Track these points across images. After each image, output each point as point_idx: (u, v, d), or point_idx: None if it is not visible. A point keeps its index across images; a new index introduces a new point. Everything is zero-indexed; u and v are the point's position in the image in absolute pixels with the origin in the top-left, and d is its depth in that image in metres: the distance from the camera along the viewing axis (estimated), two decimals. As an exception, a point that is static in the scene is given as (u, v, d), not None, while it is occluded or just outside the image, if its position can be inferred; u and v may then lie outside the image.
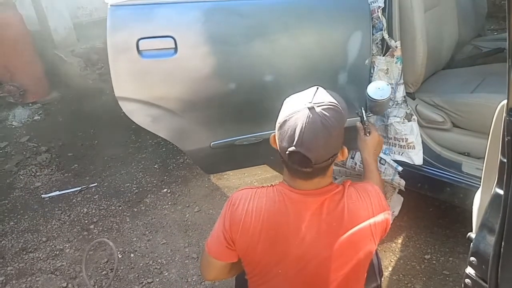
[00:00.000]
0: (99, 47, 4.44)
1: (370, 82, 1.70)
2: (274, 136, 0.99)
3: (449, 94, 1.75)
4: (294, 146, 0.86)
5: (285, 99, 1.00)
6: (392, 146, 1.77)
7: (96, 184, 2.68)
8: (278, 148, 0.96)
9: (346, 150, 1.01)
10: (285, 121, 0.91)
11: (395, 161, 1.76)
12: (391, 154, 1.78)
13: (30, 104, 3.89)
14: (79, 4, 4.96)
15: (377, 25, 1.62)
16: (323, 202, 0.96)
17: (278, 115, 0.97)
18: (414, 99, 1.81)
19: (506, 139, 0.61)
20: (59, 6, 4.43)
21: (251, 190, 1.02)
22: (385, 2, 1.59)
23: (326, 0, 1.57)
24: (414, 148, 1.71)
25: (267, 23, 1.51)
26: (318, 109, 0.88)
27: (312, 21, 1.56)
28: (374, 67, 1.67)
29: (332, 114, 0.89)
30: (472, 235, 0.78)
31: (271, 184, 1.04)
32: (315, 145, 0.87)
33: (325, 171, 0.97)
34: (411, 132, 1.70)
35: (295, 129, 0.87)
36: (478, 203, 0.83)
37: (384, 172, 1.80)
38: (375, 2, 1.59)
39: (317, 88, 0.98)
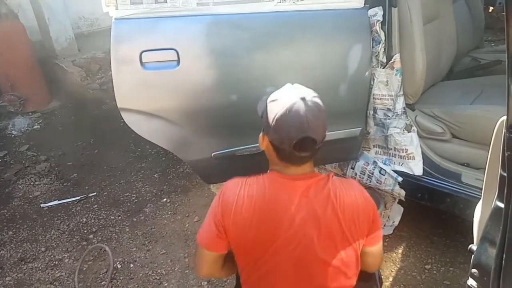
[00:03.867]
0: (100, 57, 4.47)
1: (370, 93, 1.73)
2: (264, 136, 1.04)
3: (448, 106, 1.77)
4: (306, 132, 0.94)
5: (265, 99, 1.07)
6: (392, 156, 1.79)
7: (95, 193, 2.68)
8: (277, 142, 1.00)
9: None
10: (285, 114, 0.97)
11: (395, 171, 1.77)
12: (391, 165, 1.79)
13: (30, 113, 3.90)
14: (81, 14, 5.00)
15: (377, 38, 1.64)
16: (310, 185, 1.01)
17: (267, 115, 1.03)
18: (413, 110, 1.83)
19: (506, 154, 0.62)
20: (61, 17, 4.47)
21: (241, 179, 1.05)
22: (384, 16, 1.61)
23: (327, 13, 1.59)
24: (414, 159, 1.73)
25: (269, 36, 1.54)
26: (309, 98, 0.99)
27: (313, 34, 1.58)
28: (374, 79, 1.69)
29: (319, 100, 1.01)
30: (474, 247, 0.79)
31: (260, 174, 1.08)
32: (318, 127, 0.98)
33: (316, 155, 1.03)
34: (411, 143, 1.72)
35: (300, 117, 0.95)
36: (479, 216, 0.84)
37: (384, 182, 1.81)
38: (375, 16, 1.62)
39: (292, 84, 1.08)
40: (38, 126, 3.74)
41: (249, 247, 1.03)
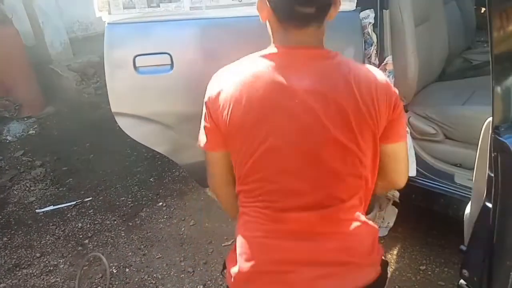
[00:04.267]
0: (95, 61, 4.46)
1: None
2: (261, 2, 0.88)
3: (440, 107, 1.79)
4: None
5: None
6: (386, 158, 1.80)
7: (91, 198, 2.67)
8: (271, 3, 0.86)
9: (339, 2, 0.89)
10: None
11: (389, 173, 1.78)
12: (385, 166, 1.80)
13: (25, 119, 3.89)
14: (75, 19, 4.99)
15: (369, 40, 1.65)
16: (315, 55, 0.87)
17: None
18: (406, 111, 1.84)
19: (493, 155, 0.63)
20: (55, 21, 4.47)
21: (227, 68, 0.95)
22: (376, 18, 1.63)
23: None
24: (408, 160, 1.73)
25: (263, 39, 1.54)
26: None
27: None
28: (366, 81, 1.70)
29: None
30: (464, 247, 0.80)
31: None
32: None
33: (321, 22, 0.87)
34: (404, 144, 1.73)
35: None
36: (468, 216, 0.84)
37: (378, 184, 1.82)
38: (366, 18, 1.63)
39: None
40: (33, 131, 3.73)
41: (247, 128, 0.87)
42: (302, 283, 0.85)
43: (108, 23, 1.47)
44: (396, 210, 1.93)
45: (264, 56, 0.87)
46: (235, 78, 0.88)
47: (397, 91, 0.91)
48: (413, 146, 1.74)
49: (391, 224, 1.98)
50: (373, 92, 0.83)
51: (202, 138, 0.96)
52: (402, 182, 1.00)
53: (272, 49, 0.88)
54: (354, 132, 0.84)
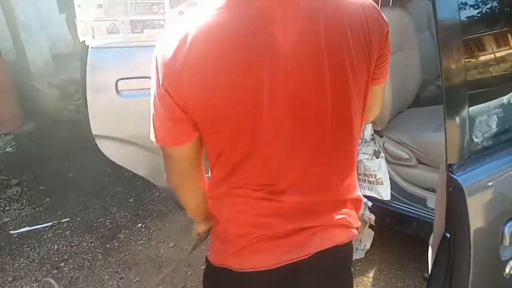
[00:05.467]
0: (77, 78, 4.43)
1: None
2: None
3: (413, 133, 1.87)
4: None
5: None
6: (362, 181, 1.85)
7: (68, 219, 2.62)
8: None
9: None
10: None
11: (365, 196, 1.83)
12: (361, 190, 1.85)
13: (3, 135, 3.81)
14: (59, 36, 4.99)
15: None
16: None
17: None
18: (381, 136, 1.91)
19: (449, 190, 0.68)
20: (38, 37, 4.46)
21: (179, 26, 0.70)
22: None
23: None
24: (382, 184, 1.79)
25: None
26: None
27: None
28: (343, 107, 1.77)
29: None
30: (427, 275, 0.84)
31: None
32: None
33: None
34: (379, 168, 1.79)
35: None
36: (432, 245, 0.89)
37: (355, 207, 1.86)
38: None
39: None
40: (11, 149, 3.65)
41: (221, 106, 0.69)
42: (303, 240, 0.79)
43: (91, 47, 1.49)
44: (373, 233, 1.98)
45: (234, 4, 0.67)
46: (199, 41, 0.66)
47: (383, 17, 0.77)
48: (388, 171, 1.81)
49: (368, 247, 2.02)
50: (365, 29, 0.71)
51: (160, 131, 0.74)
52: (373, 118, 0.93)
53: None
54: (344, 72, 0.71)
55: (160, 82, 0.69)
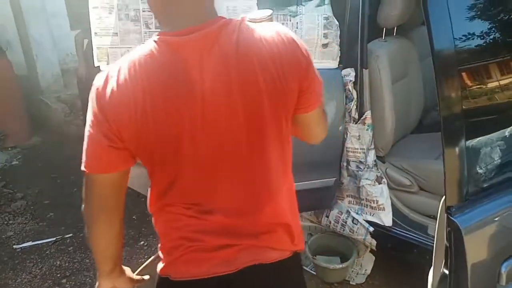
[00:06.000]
0: (85, 93, 4.53)
1: (343, 147, 1.83)
2: None
3: (415, 159, 1.89)
4: None
5: None
6: (364, 206, 1.86)
7: (71, 234, 2.64)
8: None
9: None
10: None
11: (367, 221, 1.84)
12: (363, 214, 1.87)
13: (10, 149, 3.87)
14: (68, 51, 5.09)
15: (349, 96, 1.77)
16: (213, 37, 0.74)
17: None
18: (384, 162, 1.93)
19: (448, 229, 0.71)
20: (49, 53, 4.56)
21: (117, 62, 0.78)
22: (356, 77, 1.75)
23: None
24: (384, 210, 1.81)
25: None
26: None
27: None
28: (347, 133, 1.80)
29: None
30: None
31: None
32: None
33: None
34: (381, 194, 1.81)
35: None
36: (431, 280, 0.90)
37: (356, 232, 1.88)
38: (348, 76, 1.75)
39: None
40: (17, 162, 3.70)
41: (154, 136, 0.76)
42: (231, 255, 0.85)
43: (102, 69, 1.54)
44: (374, 258, 1.98)
45: (159, 50, 0.74)
46: (130, 80, 0.73)
47: (305, 46, 0.81)
48: (390, 197, 1.83)
49: (369, 271, 2.02)
50: (279, 68, 0.75)
51: (93, 158, 0.78)
52: (319, 140, 0.97)
53: (161, 40, 0.74)
54: (264, 106, 0.77)
55: (95, 111, 0.75)
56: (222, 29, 0.75)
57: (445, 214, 0.72)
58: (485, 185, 0.95)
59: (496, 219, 0.88)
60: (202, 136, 0.77)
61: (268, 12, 1.15)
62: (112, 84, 0.74)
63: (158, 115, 0.73)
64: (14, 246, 2.53)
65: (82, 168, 0.79)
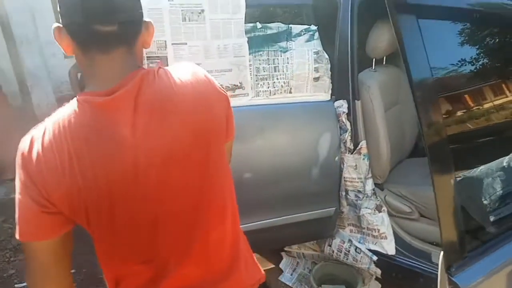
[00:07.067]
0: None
1: (341, 177, 1.83)
2: (58, 28, 0.75)
3: (414, 186, 1.89)
4: None
5: None
6: (366, 235, 1.86)
7: (74, 270, 2.59)
8: (65, 17, 0.73)
9: (152, 27, 0.81)
10: None
11: (370, 250, 1.84)
12: (365, 243, 1.86)
13: (8, 181, 3.85)
14: (63, 79, 5.12)
15: (343, 127, 1.78)
16: (136, 92, 0.74)
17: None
18: (383, 189, 1.93)
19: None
20: (43, 83, 4.58)
21: (36, 127, 0.76)
22: (349, 108, 1.76)
23: (297, 106, 1.72)
24: (386, 238, 1.80)
25: (244, 128, 1.64)
26: None
27: (285, 125, 1.71)
28: (344, 163, 1.81)
29: None
30: None
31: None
32: None
33: (130, 44, 0.77)
34: (382, 223, 1.81)
35: None
36: None
37: (360, 261, 1.87)
38: (341, 107, 1.76)
39: None
40: (16, 195, 3.68)
41: (89, 201, 0.74)
42: None
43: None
44: (380, 286, 1.97)
45: (82, 112, 0.73)
46: (55, 144, 0.72)
47: (217, 83, 0.84)
48: (391, 224, 1.82)
49: (375, 300, 2.01)
50: (201, 115, 0.77)
51: (27, 226, 0.74)
52: None
53: (87, 104, 0.73)
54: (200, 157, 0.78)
55: (22, 176, 0.73)
56: (143, 81, 0.75)
57: (445, 275, 0.72)
58: (484, 238, 0.95)
59: (499, 273, 0.88)
60: (137, 194, 0.75)
61: None
62: (37, 148, 0.72)
63: (87, 176, 0.71)
64: (16, 286, 2.51)
65: (17, 236, 0.75)
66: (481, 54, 1.31)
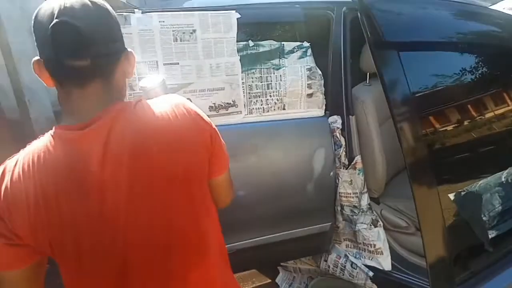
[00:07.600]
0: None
1: (336, 192, 1.83)
2: (37, 61, 0.75)
3: (410, 200, 1.87)
4: (57, 18, 0.67)
5: None
6: (362, 251, 1.85)
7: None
8: (39, 49, 0.73)
9: (132, 57, 0.80)
10: (37, 15, 0.71)
11: (366, 265, 1.82)
12: (361, 259, 1.85)
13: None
14: (61, 93, 5.14)
15: (338, 142, 1.78)
16: (109, 128, 0.72)
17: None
18: (379, 203, 1.93)
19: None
20: (41, 97, 4.57)
21: (11, 157, 0.76)
22: (343, 123, 1.76)
23: (291, 122, 1.72)
24: (382, 254, 1.79)
25: (238, 145, 1.64)
26: None
27: (279, 141, 1.70)
28: (339, 179, 1.80)
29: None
30: None
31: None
32: (84, 11, 0.70)
33: (107, 77, 0.75)
34: (378, 238, 1.80)
35: (53, 7, 0.69)
36: None
37: (356, 276, 1.85)
38: (335, 123, 1.77)
39: None
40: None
41: (59, 238, 0.73)
42: None
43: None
44: (377, 300, 1.95)
45: (54, 146, 0.72)
46: (23, 178, 0.71)
47: (201, 115, 0.82)
48: (387, 239, 1.81)
49: (373, 315, 1.98)
50: (181, 152, 0.75)
51: None
52: (225, 205, 0.95)
53: (58, 137, 0.73)
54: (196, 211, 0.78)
55: None
56: (118, 116, 0.74)
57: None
58: (475, 269, 0.94)
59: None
60: (104, 234, 0.73)
61: (160, 79, 1.17)
62: (7, 181, 0.72)
63: (52, 211, 0.71)
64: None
65: None
66: (463, 73, 1.34)
